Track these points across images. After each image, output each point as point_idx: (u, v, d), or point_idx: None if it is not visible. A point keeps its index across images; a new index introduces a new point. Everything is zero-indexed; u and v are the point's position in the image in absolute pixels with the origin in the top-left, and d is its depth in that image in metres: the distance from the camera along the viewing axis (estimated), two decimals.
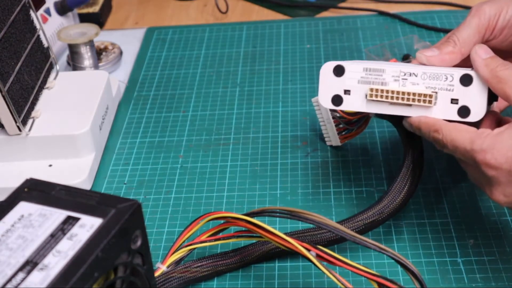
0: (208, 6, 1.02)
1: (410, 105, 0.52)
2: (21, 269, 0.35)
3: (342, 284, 0.45)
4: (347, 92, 0.54)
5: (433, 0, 0.95)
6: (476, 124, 0.51)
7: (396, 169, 0.58)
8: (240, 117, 0.75)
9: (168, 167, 0.69)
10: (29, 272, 0.34)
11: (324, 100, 0.55)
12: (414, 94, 0.52)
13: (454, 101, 0.51)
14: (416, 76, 0.52)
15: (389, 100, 0.53)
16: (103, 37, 0.91)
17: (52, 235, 0.37)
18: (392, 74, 0.53)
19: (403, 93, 0.52)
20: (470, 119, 0.51)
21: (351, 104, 0.54)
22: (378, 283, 0.44)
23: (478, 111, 0.51)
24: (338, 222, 0.55)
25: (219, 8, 0.99)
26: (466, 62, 0.55)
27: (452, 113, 0.51)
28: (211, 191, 0.65)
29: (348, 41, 0.88)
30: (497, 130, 0.48)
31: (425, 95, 0.51)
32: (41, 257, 0.35)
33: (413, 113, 0.53)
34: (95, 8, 0.96)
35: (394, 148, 0.68)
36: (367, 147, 0.69)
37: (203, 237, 0.52)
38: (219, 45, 0.90)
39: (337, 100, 0.55)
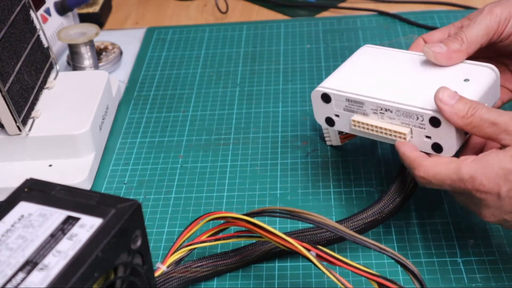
0: (208, 6, 1.02)
1: (389, 138, 0.55)
2: (21, 269, 0.35)
3: (342, 284, 0.45)
4: (337, 115, 0.58)
5: (433, 0, 0.95)
6: (457, 153, 0.52)
7: (396, 169, 0.58)
8: (240, 117, 0.75)
9: (168, 167, 0.69)
10: (29, 272, 0.34)
11: (319, 120, 0.60)
12: (390, 130, 0.54)
13: (427, 137, 0.53)
14: (391, 112, 0.54)
15: (370, 132, 0.56)
16: (103, 37, 0.91)
17: (52, 235, 0.37)
18: (371, 107, 0.55)
19: (381, 128, 0.55)
20: (444, 154, 0.52)
21: (341, 127, 0.58)
22: (378, 283, 0.44)
23: (450, 149, 0.52)
24: (338, 222, 0.55)
25: (219, 8, 0.99)
26: (475, 54, 0.56)
27: (427, 147, 0.53)
28: (211, 191, 0.65)
29: (348, 41, 0.88)
30: (481, 155, 0.48)
31: (400, 133, 0.54)
32: (41, 257, 0.35)
33: (393, 143, 0.55)
34: (95, 8, 0.96)
35: (394, 148, 0.68)
36: (367, 147, 0.69)
37: (203, 237, 0.52)
38: (219, 45, 0.90)
39: (329, 121, 0.59)
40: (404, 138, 0.53)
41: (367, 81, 0.57)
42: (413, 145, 0.53)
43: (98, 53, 0.86)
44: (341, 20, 0.92)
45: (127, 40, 0.93)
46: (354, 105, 0.56)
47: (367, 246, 0.46)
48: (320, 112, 0.59)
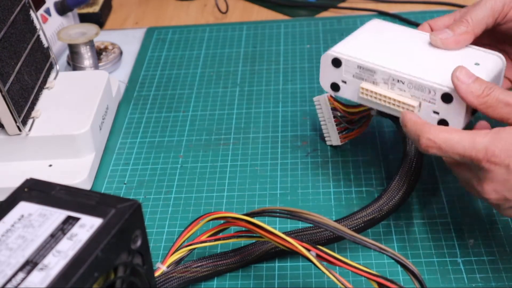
0: (208, 6, 1.02)
1: (395, 109, 0.56)
2: (21, 269, 0.35)
3: (342, 284, 0.45)
4: (344, 82, 0.58)
5: (433, 0, 0.95)
6: None
7: (396, 169, 0.58)
8: (240, 117, 0.75)
9: (168, 167, 0.69)
10: (29, 272, 0.34)
11: (324, 84, 0.60)
12: (399, 101, 0.55)
13: (435, 112, 0.54)
14: (403, 83, 0.54)
15: (377, 101, 0.56)
16: (103, 37, 0.91)
17: (52, 235, 0.37)
18: (383, 77, 0.55)
19: (390, 98, 0.55)
20: None
21: (346, 94, 0.59)
22: (378, 283, 0.44)
23: (455, 126, 0.53)
24: (337, 220, 0.55)
25: (219, 8, 0.99)
26: (478, 40, 0.57)
27: (432, 122, 0.54)
28: (211, 191, 0.65)
29: None
30: (495, 129, 0.48)
31: (408, 105, 0.54)
32: (41, 257, 0.35)
33: (399, 114, 0.55)
34: (95, 8, 0.96)
35: (394, 148, 0.68)
36: (367, 147, 0.69)
37: (203, 237, 0.52)
38: (219, 45, 0.90)
39: (335, 87, 0.59)
40: (412, 111, 0.54)
41: (379, 51, 0.57)
42: (419, 116, 0.53)
43: (98, 53, 0.86)
44: (341, 20, 0.92)
45: (127, 40, 0.93)
46: (365, 72, 0.56)
47: (367, 246, 0.46)
48: (327, 76, 0.59)
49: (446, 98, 0.52)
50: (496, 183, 0.48)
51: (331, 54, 0.58)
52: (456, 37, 0.56)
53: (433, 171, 0.64)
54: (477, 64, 0.55)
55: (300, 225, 0.59)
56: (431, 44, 0.58)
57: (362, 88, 0.56)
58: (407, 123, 0.52)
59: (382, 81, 0.55)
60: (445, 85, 0.52)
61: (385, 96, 0.55)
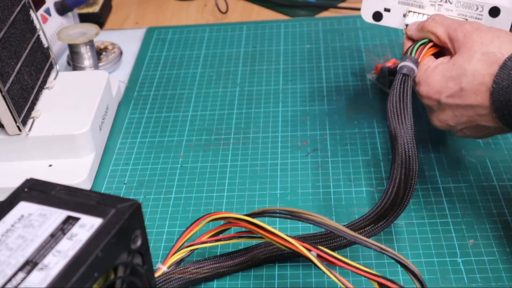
0: (208, 6, 1.02)
1: None
2: (21, 269, 0.35)
3: (343, 284, 0.45)
4: (387, 10, 0.61)
5: None
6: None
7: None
8: (240, 117, 0.75)
9: (168, 167, 0.69)
10: (29, 272, 0.34)
11: (365, 15, 0.62)
12: None
13: None
14: (450, 3, 0.58)
15: None
16: (103, 37, 0.91)
17: (52, 235, 0.37)
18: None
19: None
20: None
21: (389, 21, 0.61)
22: (379, 283, 0.44)
23: None
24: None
25: (219, 8, 0.99)
26: None
27: None
28: (211, 191, 0.65)
29: (348, 41, 0.88)
30: (434, 64, 0.54)
31: None
32: (41, 257, 0.35)
33: None
34: (95, 8, 0.96)
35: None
36: (367, 147, 0.69)
37: (204, 238, 0.52)
38: (219, 45, 0.90)
39: (377, 16, 0.62)
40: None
41: None
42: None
43: (98, 53, 0.86)
44: (341, 20, 0.92)
45: (127, 40, 0.93)
46: None
47: (367, 246, 0.46)
48: (369, 5, 0.61)
49: (494, 12, 0.56)
50: (437, 113, 0.55)
51: None
52: None
53: (433, 171, 0.64)
54: None
55: (300, 225, 0.59)
56: None
57: (410, 11, 0.59)
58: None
59: (429, 3, 0.58)
60: (492, 1, 0.56)
61: None
